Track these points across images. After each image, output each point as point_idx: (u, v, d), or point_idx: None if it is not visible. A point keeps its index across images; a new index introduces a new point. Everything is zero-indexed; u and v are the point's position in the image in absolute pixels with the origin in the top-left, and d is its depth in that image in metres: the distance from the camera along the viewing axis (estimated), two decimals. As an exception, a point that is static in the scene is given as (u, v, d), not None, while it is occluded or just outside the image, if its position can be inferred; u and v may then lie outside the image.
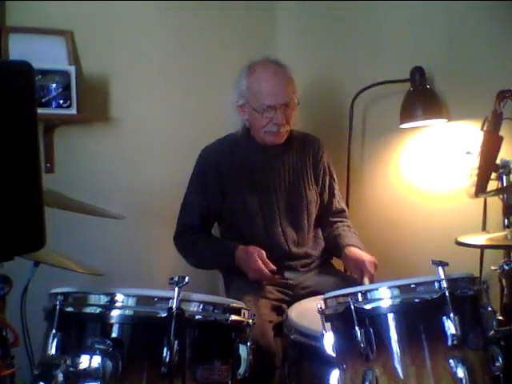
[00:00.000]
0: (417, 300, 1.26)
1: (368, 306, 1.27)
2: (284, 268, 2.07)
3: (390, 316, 1.26)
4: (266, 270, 1.93)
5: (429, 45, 2.37)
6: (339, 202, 2.27)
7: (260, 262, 1.93)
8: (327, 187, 2.23)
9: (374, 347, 1.25)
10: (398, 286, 1.28)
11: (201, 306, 1.35)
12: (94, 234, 2.36)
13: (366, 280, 1.89)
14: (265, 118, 2.06)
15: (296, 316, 1.67)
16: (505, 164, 1.90)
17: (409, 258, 2.37)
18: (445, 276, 1.25)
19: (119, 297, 1.32)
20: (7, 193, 1.03)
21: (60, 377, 1.14)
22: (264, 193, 2.11)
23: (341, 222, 2.24)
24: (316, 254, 2.16)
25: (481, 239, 1.74)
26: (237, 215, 2.12)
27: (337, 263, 2.29)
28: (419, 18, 2.41)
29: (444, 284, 1.24)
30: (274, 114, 2.05)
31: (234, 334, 1.41)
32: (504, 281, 1.66)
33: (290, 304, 1.87)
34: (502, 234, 1.74)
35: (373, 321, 1.27)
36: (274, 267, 1.95)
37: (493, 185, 1.93)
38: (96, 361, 1.22)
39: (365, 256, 1.98)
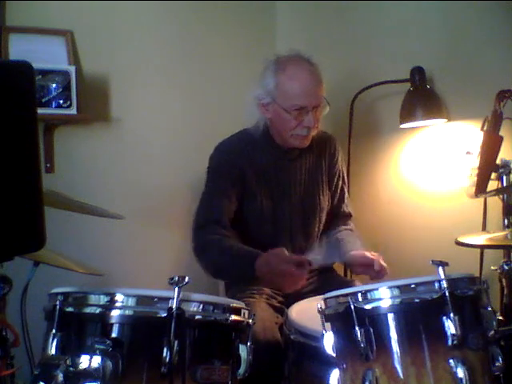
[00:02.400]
0: (417, 300, 1.26)
1: (368, 306, 1.27)
2: None
3: (390, 316, 1.26)
4: (296, 271, 1.73)
5: (429, 45, 2.37)
6: (347, 207, 2.22)
7: (284, 263, 1.73)
8: (339, 192, 2.18)
9: (374, 347, 1.25)
10: (398, 286, 1.28)
11: (201, 306, 1.35)
12: (94, 234, 2.36)
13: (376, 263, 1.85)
14: (294, 120, 1.94)
15: (296, 316, 1.67)
16: (505, 164, 1.90)
17: (409, 258, 2.37)
18: (445, 276, 1.25)
19: (119, 297, 1.31)
20: (7, 193, 1.03)
21: (60, 377, 1.14)
22: (279, 198, 2.04)
23: (344, 224, 2.20)
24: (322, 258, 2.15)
25: (481, 239, 1.74)
26: (248, 218, 2.04)
27: (337, 266, 2.29)
28: (419, 17, 2.41)
29: (444, 284, 1.24)
30: (305, 116, 1.94)
31: (234, 334, 1.41)
32: (504, 281, 1.66)
33: (290, 305, 1.86)
34: (502, 233, 1.74)
35: (373, 321, 1.27)
36: (300, 258, 1.79)
37: (493, 185, 1.93)
38: (96, 361, 1.22)
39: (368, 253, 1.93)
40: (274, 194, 2.04)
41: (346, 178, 2.24)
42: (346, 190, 2.22)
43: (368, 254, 1.93)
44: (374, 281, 1.87)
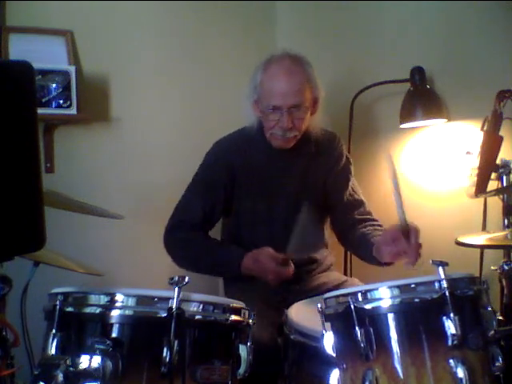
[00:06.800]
0: (417, 300, 1.26)
1: (368, 306, 1.27)
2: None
3: (390, 316, 1.26)
4: (281, 269, 1.84)
5: (429, 45, 2.37)
6: (353, 195, 2.09)
7: (271, 261, 1.84)
8: (342, 189, 2.09)
9: (374, 347, 1.25)
10: (398, 286, 1.28)
11: (201, 306, 1.35)
12: (94, 233, 2.36)
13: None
14: (271, 120, 1.93)
15: (296, 316, 1.67)
16: (505, 164, 1.91)
17: (409, 257, 2.37)
18: (445, 276, 1.25)
19: (119, 297, 1.32)
20: (7, 193, 1.03)
21: (60, 377, 1.14)
22: (274, 198, 2.03)
23: (369, 220, 2.05)
24: (321, 258, 2.13)
25: (481, 239, 1.74)
26: (242, 217, 2.05)
27: (337, 266, 2.29)
28: (419, 17, 2.41)
29: (444, 284, 1.24)
30: (279, 116, 1.91)
31: (234, 334, 1.41)
32: (504, 281, 1.66)
33: (290, 305, 1.86)
34: (502, 233, 1.74)
35: (373, 321, 1.26)
36: (286, 257, 1.85)
37: (493, 185, 1.93)
38: (96, 361, 1.22)
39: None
40: (269, 193, 2.03)
41: (351, 174, 2.13)
42: (350, 183, 2.11)
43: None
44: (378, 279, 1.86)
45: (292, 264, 1.87)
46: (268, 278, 1.87)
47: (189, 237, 2.01)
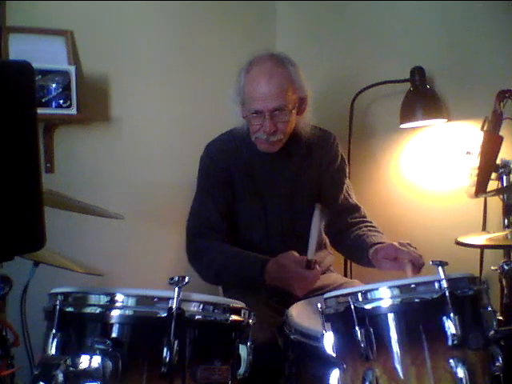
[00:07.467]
0: (417, 300, 1.26)
1: (368, 306, 1.27)
2: None
3: (390, 316, 1.26)
4: (307, 273, 1.72)
5: (429, 45, 2.37)
6: (347, 199, 2.09)
7: (295, 264, 1.73)
8: (337, 191, 2.08)
9: (374, 347, 1.25)
10: (398, 286, 1.28)
11: (201, 306, 1.35)
12: (94, 233, 2.36)
13: (408, 268, 1.67)
14: (255, 125, 1.90)
15: (296, 316, 1.67)
16: (505, 164, 1.91)
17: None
18: (445, 276, 1.25)
19: (119, 297, 1.31)
20: (7, 193, 1.03)
21: (60, 377, 1.14)
22: (268, 199, 2.01)
23: (363, 222, 2.06)
24: (320, 258, 2.10)
25: (481, 239, 1.74)
26: (238, 218, 2.03)
27: (336, 266, 2.29)
28: (420, 18, 2.41)
29: (444, 284, 1.24)
30: (262, 120, 1.87)
31: (233, 334, 1.40)
32: (504, 281, 1.66)
33: (289, 305, 1.85)
34: (501, 233, 1.75)
35: (373, 321, 1.26)
36: (309, 260, 1.74)
37: (493, 185, 1.93)
38: (96, 361, 1.22)
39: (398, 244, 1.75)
40: (262, 194, 2.01)
41: (346, 173, 2.13)
42: (344, 186, 2.11)
43: (397, 245, 1.77)
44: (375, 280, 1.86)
45: (317, 266, 1.77)
46: (294, 286, 1.77)
47: (212, 244, 1.93)
